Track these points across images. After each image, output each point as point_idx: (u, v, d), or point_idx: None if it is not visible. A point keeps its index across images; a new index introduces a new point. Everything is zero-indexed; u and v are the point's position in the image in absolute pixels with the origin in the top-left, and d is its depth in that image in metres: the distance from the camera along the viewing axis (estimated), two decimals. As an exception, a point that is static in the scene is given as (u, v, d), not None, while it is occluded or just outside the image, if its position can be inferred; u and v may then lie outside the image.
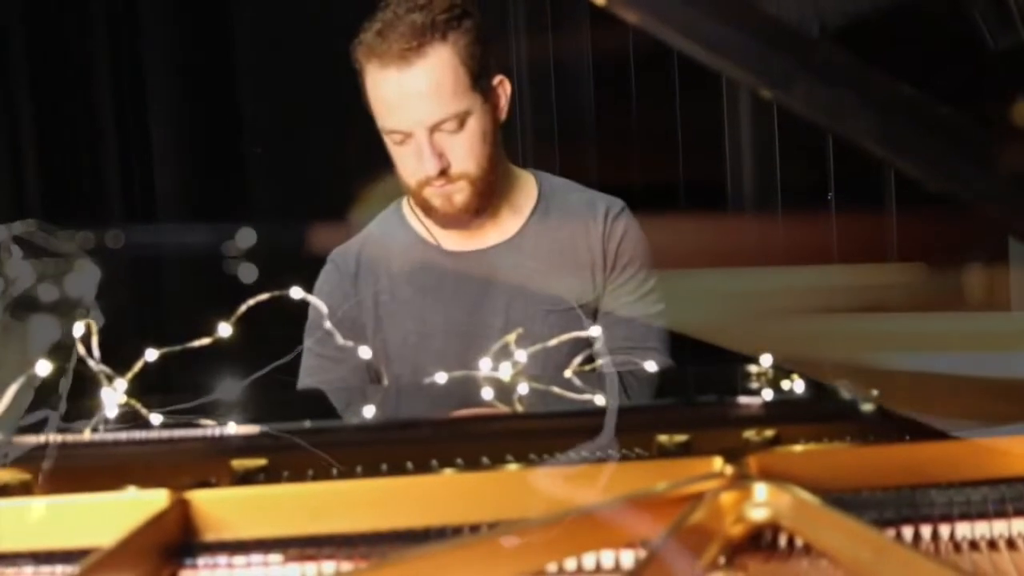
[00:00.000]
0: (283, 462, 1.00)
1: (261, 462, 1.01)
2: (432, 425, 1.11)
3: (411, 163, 1.78)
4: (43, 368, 1.00)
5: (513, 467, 0.96)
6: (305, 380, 1.83)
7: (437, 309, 1.86)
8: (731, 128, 2.90)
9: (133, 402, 1.04)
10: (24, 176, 3.23)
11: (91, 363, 1.03)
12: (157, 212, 3.49)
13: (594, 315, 1.86)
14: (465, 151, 1.76)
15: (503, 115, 1.84)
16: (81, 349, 1.02)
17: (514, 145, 1.97)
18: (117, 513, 0.88)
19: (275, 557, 0.87)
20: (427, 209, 1.83)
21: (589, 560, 0.85)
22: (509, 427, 1.10)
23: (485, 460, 0.99)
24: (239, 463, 1.01)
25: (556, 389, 1.10)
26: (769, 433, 1.01)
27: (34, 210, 3.24)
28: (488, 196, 1.83)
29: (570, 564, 0.85)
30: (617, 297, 1.88)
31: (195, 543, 0.89)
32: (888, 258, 2.46)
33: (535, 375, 1.14)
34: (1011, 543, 0.86)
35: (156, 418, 1.05)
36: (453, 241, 1.89)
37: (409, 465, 0.99)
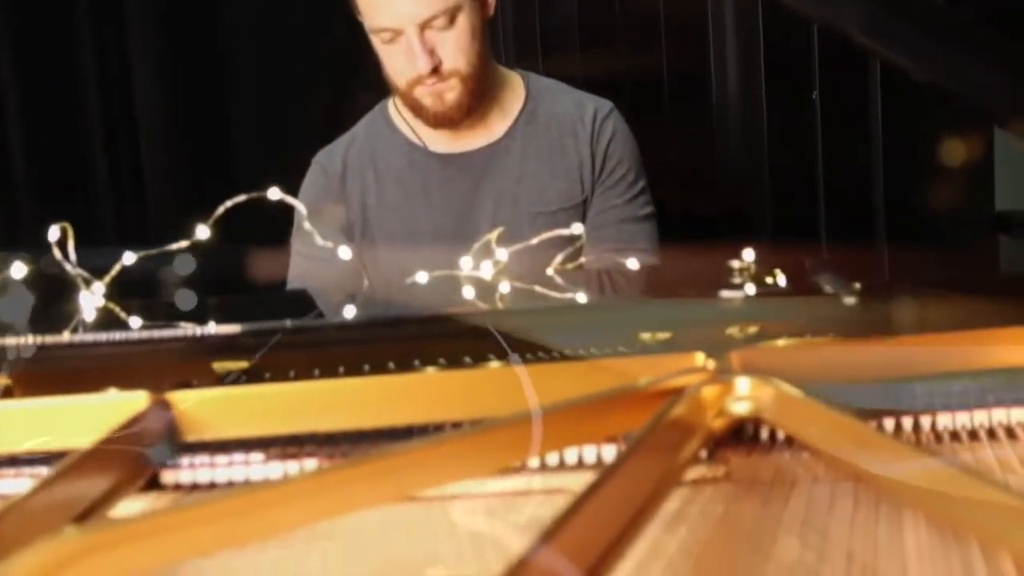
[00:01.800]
0: (265, 363, 1.00)
1: (242, 364, 1.00)
2: (413, 323, 1.11)
3: (401, 62, 1.76)
4: (18, 271, 0.99)
5: (495, 364, 0.95)
6: (294, 283, 1.82)
7: (424, 212, 1.85)
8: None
9: (112, 305, 1.03)
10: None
11: (67, 267, 1.02)
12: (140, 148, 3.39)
13: (583, 218, 1.85)
14: (456, 48, 1.74)
15: (491, 11, 1.81)
16: (57, 254, 1.01)
17: (496, 51, 1.96)
18: (98, 415, 0.88)
19: (257, 456, 0.87)
20: (417, 109, 1.81)
21: (571, 455, 0.85)
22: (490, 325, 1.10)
23: (467, 360, 0.99)
24: (220, 365, 1.00)
25: (538, 288, 1.10)
26: (752, 330, 1.01)
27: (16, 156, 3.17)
28: (479, 95, 1.81)
29: (552, 459, 0.85)
30: (606, 199, 1.87)
31: (176, 444, 0.89)
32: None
33: (518, 275, 1.13)
34: (992, 434, 0.86)
35: (136, 321, 1.04)
36: (440, 143, 1.87)
37: (391, 365, 0.98)
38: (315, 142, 1.96)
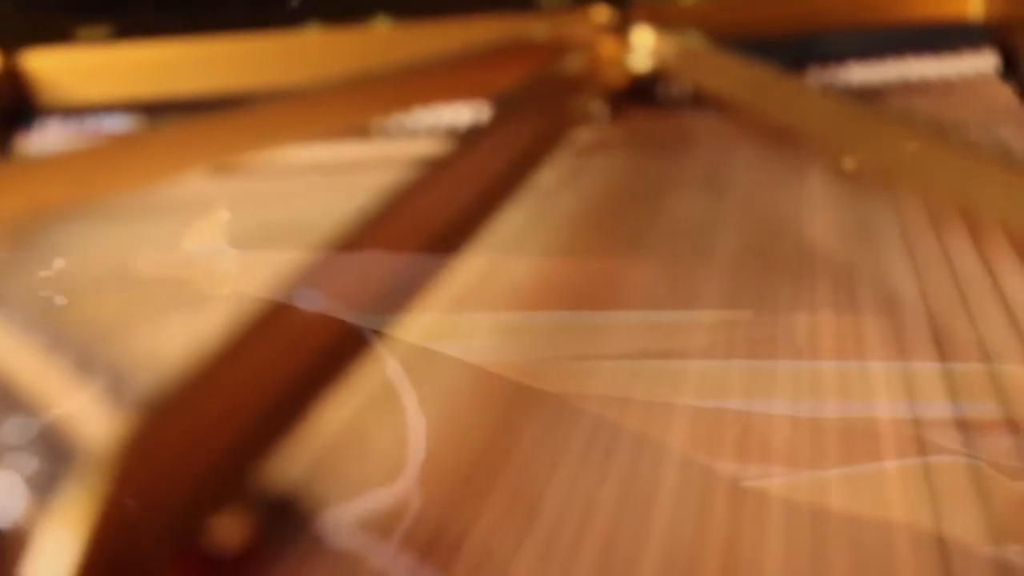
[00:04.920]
0: (130, 25, 0.90)
1: (105, 29, 0.91)
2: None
3: None
4: None
5: (382, 21, 0.87)
6: None
7: None
8: None
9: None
10: None
11: None
12: None
13: None
14: None
15: None
16: None
17: None
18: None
19: (121, 121, 0.80)
20: None
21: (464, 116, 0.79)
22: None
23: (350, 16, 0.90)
24: (84, 31, 0.91)
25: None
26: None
27: None
28: None
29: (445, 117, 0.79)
30: None
31: (29, 108, 0.81)
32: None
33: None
34: (909, 86, 0.81)
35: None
36: None
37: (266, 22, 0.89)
38: None
